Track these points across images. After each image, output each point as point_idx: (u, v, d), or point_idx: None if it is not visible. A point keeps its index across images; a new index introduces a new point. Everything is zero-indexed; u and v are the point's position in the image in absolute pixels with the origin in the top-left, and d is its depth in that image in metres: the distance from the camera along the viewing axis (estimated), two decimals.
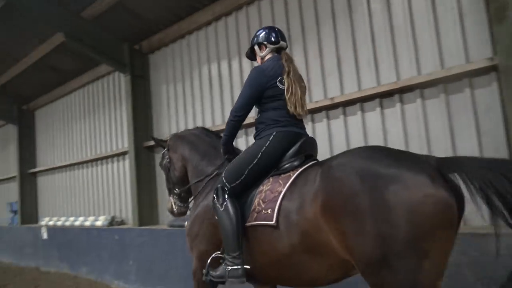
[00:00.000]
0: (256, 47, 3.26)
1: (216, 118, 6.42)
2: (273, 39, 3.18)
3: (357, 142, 4.70)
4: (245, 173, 2.85)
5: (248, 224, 2.74)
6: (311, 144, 3.02)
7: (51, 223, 9.99)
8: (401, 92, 4.39)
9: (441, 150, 4.04)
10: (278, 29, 3.26)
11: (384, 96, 4.53)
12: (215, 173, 3.34)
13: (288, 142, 2.88)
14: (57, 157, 10.72)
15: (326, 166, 2.39)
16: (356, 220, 2.05)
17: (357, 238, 2.05)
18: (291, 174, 2.69)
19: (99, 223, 8.16)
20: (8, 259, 11.37)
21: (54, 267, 9.18)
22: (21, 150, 11.42)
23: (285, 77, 2.94)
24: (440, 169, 2.03)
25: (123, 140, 8.32)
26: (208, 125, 6.47)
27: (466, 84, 3.95)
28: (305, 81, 5.15)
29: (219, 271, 2.79)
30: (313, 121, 5.18)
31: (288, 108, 2.90)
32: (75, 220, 9.17)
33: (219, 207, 2.80)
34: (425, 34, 4.26)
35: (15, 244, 11.05)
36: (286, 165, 2.82)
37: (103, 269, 7.57)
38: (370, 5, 4.70)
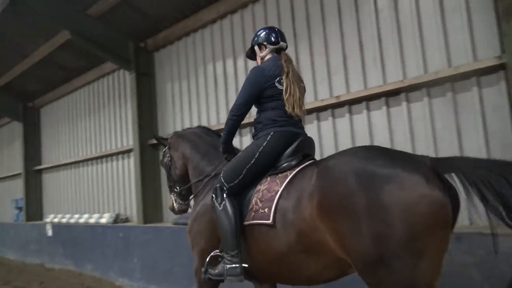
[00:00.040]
0: (256, 47, 3.28)
1: (221, 116, 6.42)
2: (273, 39, 3.19)
3: (362, 141, 4.68)
4: (243, 173, 2.88)
5: (246, 223, 2.77)
6: (308, 143, 3.04)
7: (56, 220, 10.02)
8: (407, 90, 4.36)
9: (448, 149, 4.02)
10: (278, 30, 3.28)
11: (390, 95, 4.50)
12: (214, 172, 3.38)
13: (286, 141, 2.90)
14: (62, 155, 10.75)
15: (322, 166, 2.40)
16: (352, 220, 2.06)
17: (353, 237, 2.06)
18: (288, 174, 2.71)
19: (103, 221, 8.18)
20: (13, 255, 11.41)
21: (59, 264, 9.22)
22: (26, 147, 11.47)
23: (284, 77, 2.95)
24: (436, 169, 2.04)
25: (128, 138, 8.34)
26: (213, 123, 6.47)
27: (473, 82, 3.92)
28: (311, 79, 5.20)
29: (218, 269, 2.81)
30: (318, 119, 5.16)
31: (286, 108, 2.91)
32: (79, 218, 9.21)
33: (218, 206, 2.83)
34: (432, 32, 4.22)
35: (20, 241, 11.10)
36: (284, 165, 2.84)
37: (108, 267, 7.58)
38: (376, 3, 4.67)
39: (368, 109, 4.70)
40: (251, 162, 2.87)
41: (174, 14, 6.90)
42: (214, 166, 3.45)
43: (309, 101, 5.19)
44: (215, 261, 2.91)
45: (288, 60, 3.07)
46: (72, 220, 9.35)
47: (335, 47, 5.04)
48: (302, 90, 3.09)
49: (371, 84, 4.66)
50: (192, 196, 3.70)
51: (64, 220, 9.68)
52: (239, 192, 2.91)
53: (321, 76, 5.17)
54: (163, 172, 7.20)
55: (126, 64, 7.50)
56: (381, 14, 4.63)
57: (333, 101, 4.87)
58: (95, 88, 9.52)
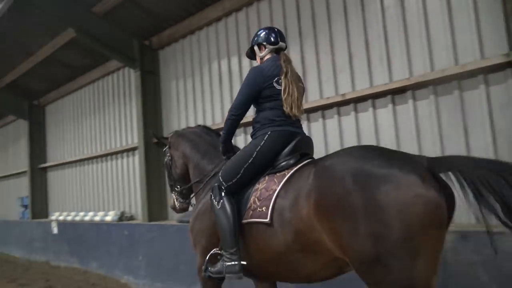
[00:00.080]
0: (255, 47, 3.33)
1: (226, 114, 6.38)
2: (272, 39, 3.22)
3: (368, 138, 4.67)
4: (241, 172, 2.91)
5: (244, 221, 2.81)
6: (306, 142, 3.08)
7: (61, 218, 10.06)
8: (413, 88, 4.33)
9: (454, 148, 4.00)
10: (278, 30, 3.30)
11: (396, 93, 4.48)
12: (215, 171, 3.42)
13: (283, 141, 2.93)
14: (67, 152, 10.78)
15: (319, 166, 2.42)
16: (348, 220, 2.08)
17: (350, 237, 2.08)
18: (286, 173, 2.75)
19: (108, 218, 8.19)
20: (18, 253, 11.48)
21: (64, 262, 9.25)
22: (31, 145, 11.50)
23: (282, 77, 2.97)
24: (432, 168, 2.06)
25: (132, 136, 8.35)
26: (218, 121, 6.48)
27: (480, 80, 3.89)
28: (316, 77, 5.19)
29: (217, 267, 2.86)
30: (324, 117, 5.15)
31: (284, 108, 2.94)
32: (85, 215, 9.23)
33: (216, 205, 2.87)
34: (439, 29, 4.19)
35: (26, 238, 11.15)
36: (282, 164, 2.87)
37: (113, 264, 7.61)
38: (383, 1, 4.64)
39: (374, 107, 4.68)
40: (249, 162, 2.90)
41: (178, 12, 6.89)
42: (214, 165, 3.49)
43: (314, 99, 5.19)
44: (215, 259, 2.95)
45: (287, 60, 3.09)
46: (77, 218, 9.39)
47: (340, 45, 5.02)
48: (301, 90, 3.11)
49: (377, 82, 4.64)
50: (193, 194, 3.75)
51: (69, 218, 9.71)
52: (237, 191, 2.95)
53: (326, 75, 5.15)
54: None
55: (131, 62, 7.50)
56: (387, 12, 4.60)
57: (339, 99, 4.86)
58: (100, 86, 9.53)
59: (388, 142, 4.50)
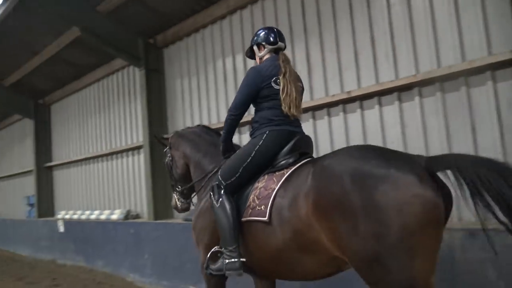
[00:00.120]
0: (255, 47, 3.33)
1: None
2: (271, 39, 3.23)
3: (374, 136, 4.65)
4: (240, 171, 2.94)
5: (243, 219, 2.84)
6: (306, 142, 3.09)
7: (67, 216, 10.11)
8: (420, 85, 4.30)
9: (461, 145, 3.98)
10: (277, 30, 3.32)
11: (402, 90, 4.45)
12: (216, 169, 3.45)
13: (282, 140, 2.95)
14: (73, 151, 10.82)
15: (318, 165, 2.44)
16: (347, 220, 2.10)
17: (349, 237, 2.10)
18: (285, 172, 2.77)
19: (114, 217, 8.22)
20: (25, 251, 11.55)
21: (70, 260, 9.29)
22: (37, 144, 11.56)
23: (280, 77, 2.99)
24: (430, 168, 2.08)
25: (138, 134, 8.35)
26: (223, 119, 6.41)
27: (488, 77, 3.85)
28: (322, 75, 5.17)
29: (218, 264, 2.89)
30: (329, 115, 5.13)
31: (283, 108, 2.96)
32: (90, 214, 9.27)
33: (215, 203, 2.90)
34: (445, 25, 4.16)
35: (32, 237, 11.21)
36: (281, 163, 2.90)
37: (119, 263, 7.63)
38: None
39: (380, 104, 4.65)
40: (248, 161, 2.93)
41: (183, 10, 6.89)
42: (215, 163, 3.52)
43: (320, 97, 5.17)
44: (216, 256, 2.99)
45: (286, 60, 3.11)
46: (83, 217, 9.42)
47: (346, 43, 4.99)
48: (299, 90, 3.13)
49: (383, 79, 4.61)
50: (194, 194, 3.81)
51: (75, 217, 9.75)
52: (237, 189, 2.98)
53: (332, 72, 5.13)
54: None
55: (136, 61, 7.51)
56: (393, 8, 4.57)
57: (344, 96, 4.84)
58: (104, 85, 9.55)
59: (394, 139, 4.48)
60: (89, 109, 10.14)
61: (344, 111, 4.98)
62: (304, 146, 3.03)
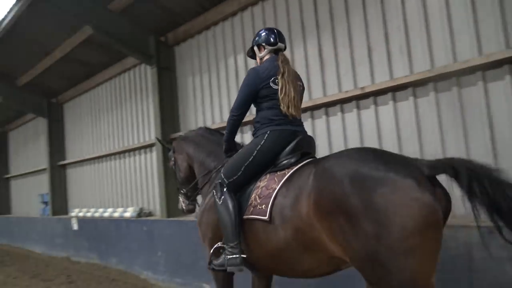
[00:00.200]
0: (255, 48, 3.40)
1: None
2: (271, 40, 3.29)
3: (388, 132, 4.60)
4: (242, 169, 3.01)
5: (245, 217, 2.90)
6: (308, 142, 3.12)
7: (81, 214, 10.19)
8: (435, 80, 4.23)
9: (479, 141, 3.92)
10: (278, 31, 3.36)
11: (417, 85, 4.39)
12: (219, 166, 3.54)
13: (283, 140, 3.00)
14: (86, 150, 10.90)
15: (319, 167, 2.48)
16: (347, 221, 2.15)
17: (349, 238, 2.15)
18: (286, 172, 2.82)
19: (127, 215, 8.27)
20: (39, 249, 11.69)
21: (84, 258, 9.38)
22: (51, 143, 11.67)
23: (279, 77, 3.04)
24: (429, 171, 2.13)
25: (150, 132, 8.39)
26: None
27: (506, 71, 3.77)
28: (334, 71, 5.12)
29: (220, 259, 2.96)
30: (342, 111, 5.08)
31: (281, 108, 3.01)
32: (104, 212, 9.34)
33: (218, 201, 2.98)
34: (462, 18, 4.08)
35: (47, 234, 11.33)
36: (283, 162, 2.95)
37: (132, 260, 7.67)
38: None
39: (394, 100, 4.59)
40: (249, 160, 3.00)
41: (194, 8, 6.88)
42: (219, 161, 3.61)
43: (333, 93, 5.12)
44: (219, 252, 3.05)
45: (285, 60, 3.16)
46: (97, 214, 9.50)
47: (359, 38, 4.94)
48: (299, 90, 3.18)
49: (397, 75, 4.55)
50: (197, 192, 3.95)
51: (88, 214, 9.83)
52: (239, 187, 3.05)
53: (345, 68, 5.07)
54: None
55: (148, 59, 7.54)
56: (407, 3, 4.50)
57: (358, 92, 4.78)
58: (117, 83, 9.60)
59: (409, 135, 4.42)
60: (102, 107, 10.20)
61: (358, 107, 4.92)
62: (306, 146, 3.07)
